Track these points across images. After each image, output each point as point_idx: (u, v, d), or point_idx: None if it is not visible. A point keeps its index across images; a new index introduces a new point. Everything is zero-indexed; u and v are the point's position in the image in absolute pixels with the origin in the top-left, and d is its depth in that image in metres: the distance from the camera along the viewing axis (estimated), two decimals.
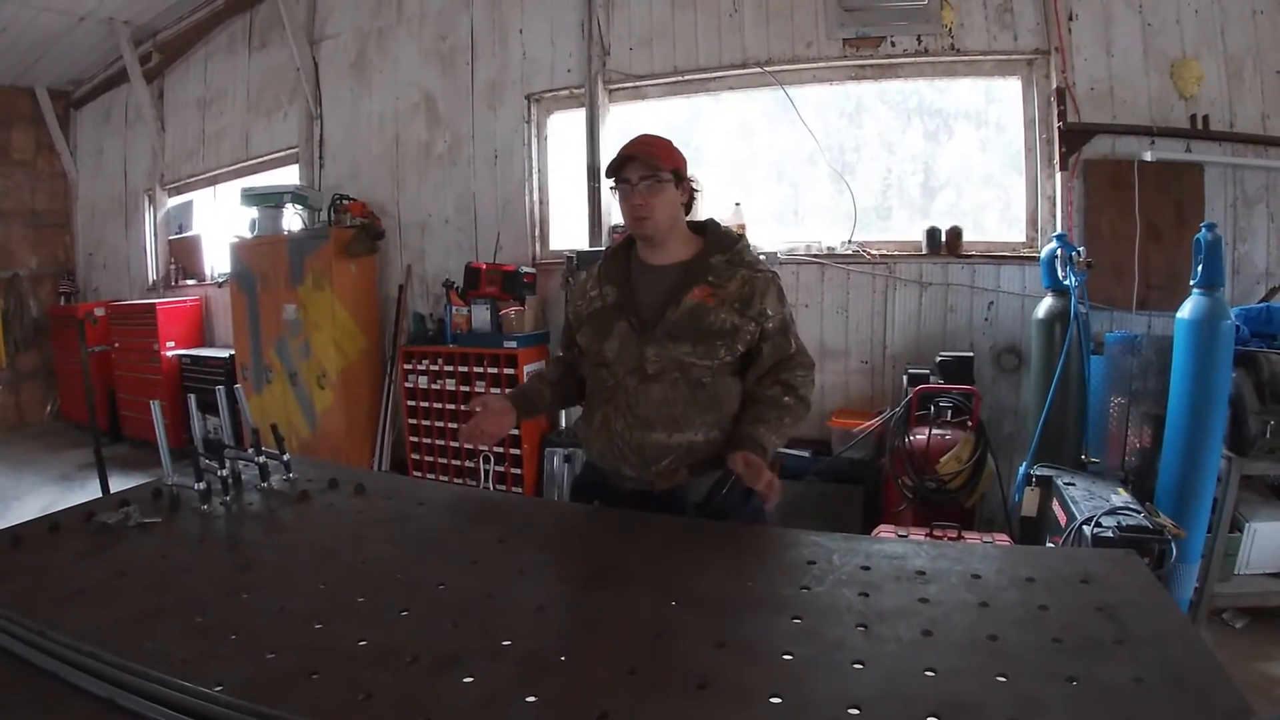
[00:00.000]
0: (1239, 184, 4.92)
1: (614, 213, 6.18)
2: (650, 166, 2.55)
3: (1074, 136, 5.08)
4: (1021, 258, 5.35)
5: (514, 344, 6.20)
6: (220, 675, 1.55)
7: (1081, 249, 4.48)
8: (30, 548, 2.30)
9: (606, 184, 2.79)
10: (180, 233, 9.70)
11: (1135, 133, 5.00)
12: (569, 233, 6.83)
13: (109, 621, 1.82)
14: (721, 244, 2.66)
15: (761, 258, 2.76)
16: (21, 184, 10.32)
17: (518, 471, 6.13)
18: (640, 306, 2.61)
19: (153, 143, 9.55)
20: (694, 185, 2.70)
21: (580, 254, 6.05)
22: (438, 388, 6.60)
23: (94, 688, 1.50)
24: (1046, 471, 4.26)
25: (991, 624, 1.69)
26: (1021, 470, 4.51)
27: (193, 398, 3.07)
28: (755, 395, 2.60)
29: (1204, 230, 3.89)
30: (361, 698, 1.49)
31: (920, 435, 4.71)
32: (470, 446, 2.69)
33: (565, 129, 6.87)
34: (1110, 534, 3.46)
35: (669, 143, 2.66)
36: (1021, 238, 5.48)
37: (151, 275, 10.03)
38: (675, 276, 2.61)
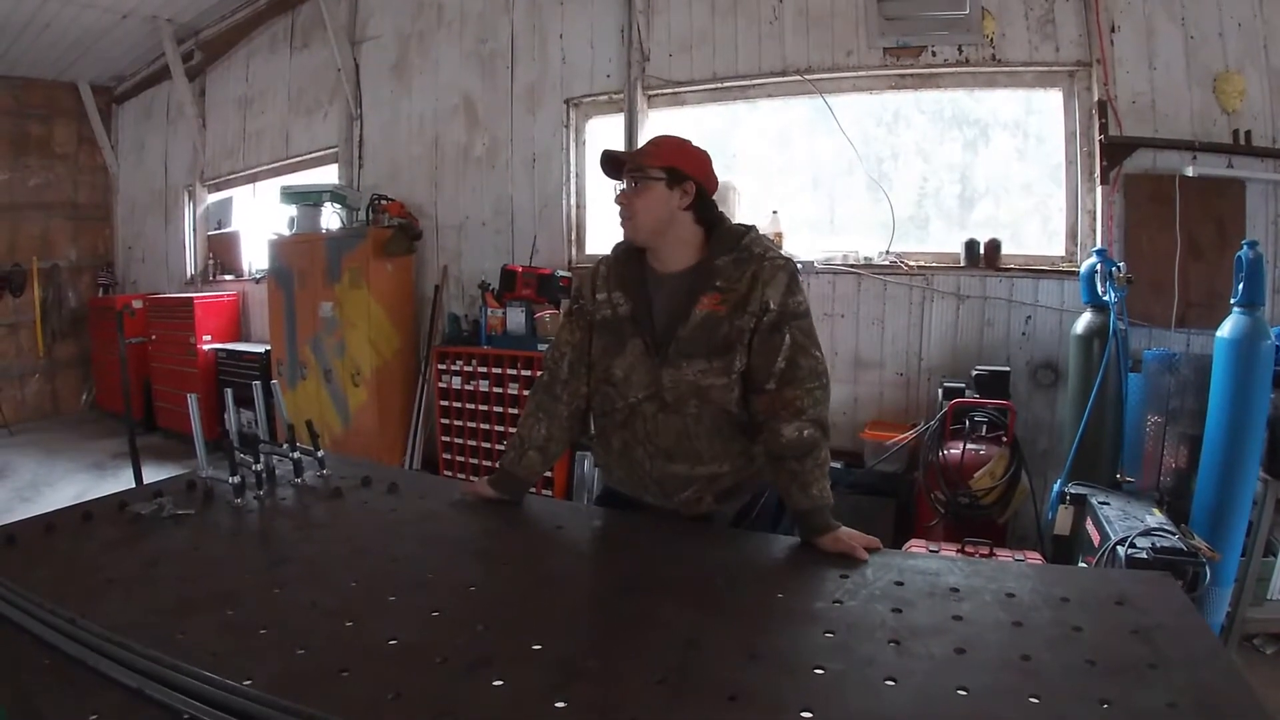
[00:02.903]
0: None
1: None
2: (635, 163, 2.43)
3: (1115, 150, 5.02)
4: (1060, 272, 5.28)
5: (548, 346, 6.15)
6: (250, 670, 1.57)
7: (1121, 264, 4.42)
8: (63, 535, 2.34)
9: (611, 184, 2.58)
10: (219, 228, 9.82)
11: (1177, 147, 4.92)
12: (606, 237, 6.80)
13: (140, 612, 1.85)
14: (726, 243, 2.43)
15: (775, 248, 2.48)
16: (63, 177, 10.49)
17: (548, 475, 6.14)
18: (655, 323, 2.45)
19: (194, 139, 9.67)
20: (707, 190, 2.47)
21: None
22: (471, 388, 6.63)
23: (124, 678, 1.52)
24: (1081, 490, 4.20)
25: (1025, 644, 1.68)
26: (1056, 488, 4.46)
27: (230, 392, 3.10)
28: (778, 447, 2.32)
29: (1245, 248, 3.83)
30: (391, 697, 1.50)
31: (954, 450, 4.67)
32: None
33: (604, 134, 6.88)
34: (1144, 555, 3.41)
35: (678, 142, 2.50)
36: (1061, 251, 5.41)
37: (190, 270, 10.14)
38: (684, 286, 2.42)
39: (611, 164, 2.50)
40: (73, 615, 1.71)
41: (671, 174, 2.39)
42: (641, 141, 6.17)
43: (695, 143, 2.52)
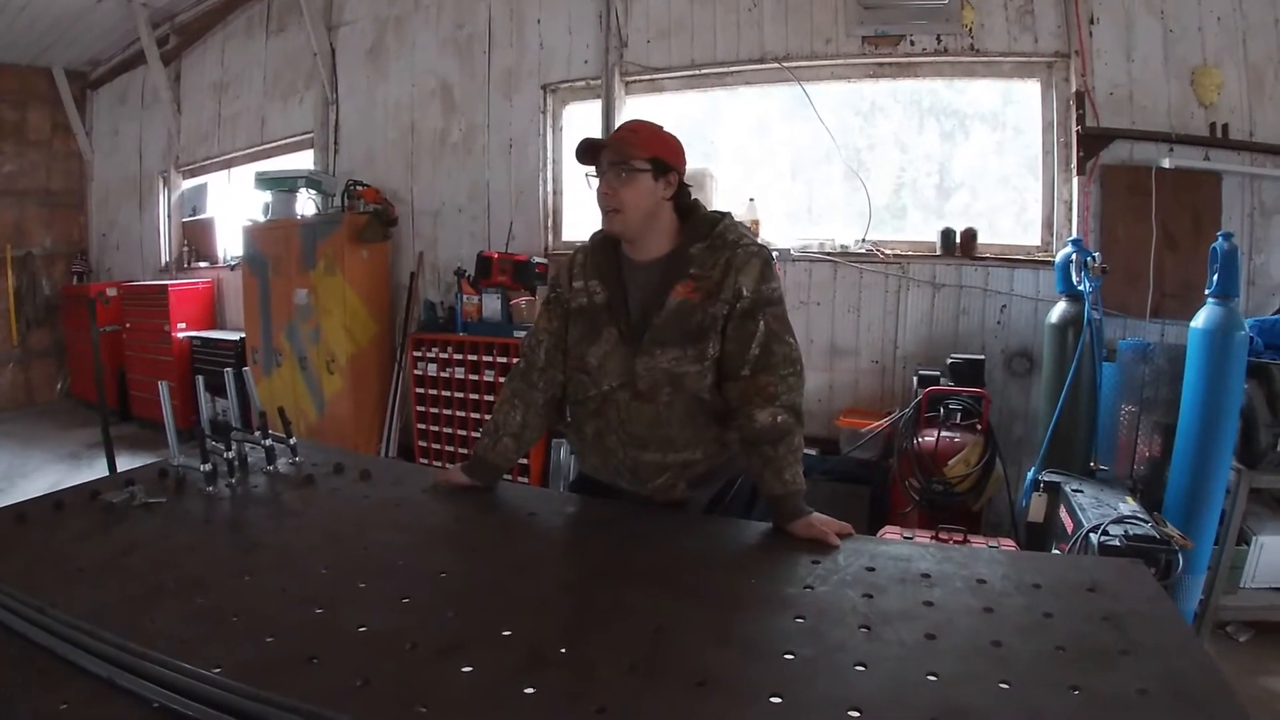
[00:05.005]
0: (1257, 194, 4.87)
1: None
2: (620, 153, 2.37)
3: (1092, 141, 5.04)
4: (1036, 261, 5.31)
5: (524, 333, 6.11)
6: (219, 657, 1.56)
7: (1097, 254, 4.43)
8: (35, 525, 2.31)
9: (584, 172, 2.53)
10: (194, 215, 9.75)
11: (1154, 139, 4.95)
12: (582, 223, 6.79)
13: (111, 600, 1.83)
14: (700, 230, 2.42)
15: (749, 235, 2.48)
16: (37, 164, 10.34)
17: (524, 461, 6.11)
18: (630, 311, 2.45)
19: (168, 125, 9.57)
20: (684, 177, 2.46)
21: None
22: (447, 375, 6.60)
23: (93, 667, 1.51)
24: (1055, 477, 4.24)
25: (996, 630, 1.69)
26: (1030, 475, 4.49)
27: (201, 379, 3.07)
28: (752, 433, 2.32)
29: (1220, 239, 3.86)
30: (359, 683, 1.49)
31: (929, 437, 4.69)
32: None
33: (581, 120, 6.85)
34: (1117, 543, 3.44)
35: (656, 129, 2.45)
36: (1036, 241, 5.44)
37: (164, 257, 10.04)
38: (658, 274, 2.42)
39: (588, 152, 2.45)
40: (42, 604, 1.69)
41: (657, 164, 2.37)
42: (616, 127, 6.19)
43: (666, 128, 2.49)
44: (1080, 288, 4.41)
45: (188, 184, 9.86)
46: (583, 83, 6.67)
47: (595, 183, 2.44)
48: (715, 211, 2.51)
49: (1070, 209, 5.21)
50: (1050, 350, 4.65)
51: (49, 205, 10.51)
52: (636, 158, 2.35)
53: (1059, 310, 4.61)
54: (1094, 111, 5.04)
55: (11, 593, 1.75)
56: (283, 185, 7.36)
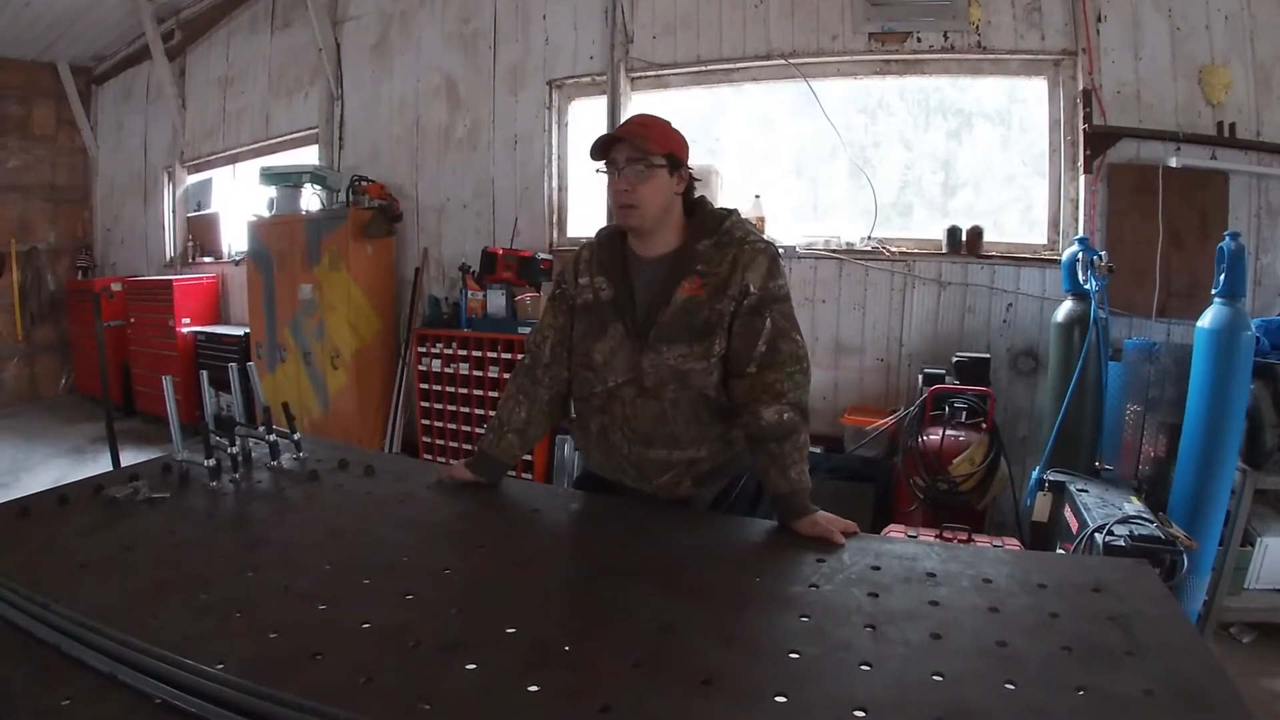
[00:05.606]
0: (1264, 194, 4.85)
1: None
2: (639, 149, 2.35)
3: (1099, 139, 5.03)
4: (1042, 260, 5.30)
5: (528, 329, 6.11)
6: (222, 653, 1.55)
7: (1103, 253, 4.42)
8: (38, 519, 2.31)
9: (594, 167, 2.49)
10: (199, 210, 9.73)
11: (1161, 138, 4.93)
12: (587, 220, 6.80)
13: (114, 596, 1.83)
14: (707, 226, 2.42)
15: (755, 232, 2.47)
16: (42, 159, 10.35)
17: (528, 458, 6.12)
18: (636, 307, 2.44)
19: (173, 120, 9.56)
20: (693, 173, 2.47)
21: None
22: (451, 371, 6.59)
23: (96, 663, 1.50)
24: (1060, 477, 4.23)
25: (1001, 630, 1.68)
26: (1034, 475, 4.47)
27: (205, 374, 3.07)
28: (758, 430, 2.31)
29: (1228, 239, 3.85)
30: (362, 680, 1.48)
31: (934, 436, 4.68)
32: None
33: (586, 116, 6.85)
34: (1122, 543, 3.43)
35: (665, 124, 2.45)
36: (1042, 240, 5.43)
37: (169, 252, 10.04)
38: (665, 271, 2.41)
39: (602, 148, 2.43)
40: (45, 600, 1.69)
41: (671, 160, 2.38)
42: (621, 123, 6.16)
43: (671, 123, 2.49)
44: (1086, 287, 4.40)
45: (192, 179, 9.84)
46: (588, 79, 6.66)
47: (605, 179, 2.44)
48: (721, 208, 2.51)
49: (1076, 207, 5.19)
50: (1056, 349, 4.64)
51: (54, 200, 10.51)
52: (654, 153, 2.35)
53: (1065, 309, 4.59)
54: (1101, 110, 5.02)
55: (14, 588, 1.75)
56: (287, 180, 7.37)
